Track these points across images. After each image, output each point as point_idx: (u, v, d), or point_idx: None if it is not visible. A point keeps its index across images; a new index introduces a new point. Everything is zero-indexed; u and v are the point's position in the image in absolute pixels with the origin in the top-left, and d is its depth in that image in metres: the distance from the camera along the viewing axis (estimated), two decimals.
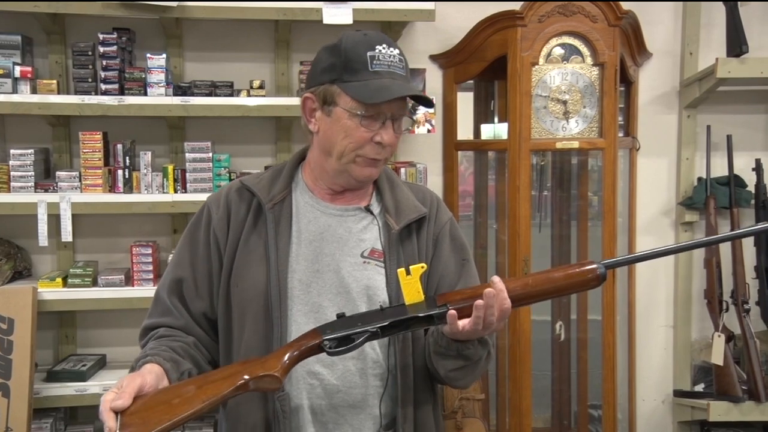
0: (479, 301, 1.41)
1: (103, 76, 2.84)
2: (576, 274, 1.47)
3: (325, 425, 1.54)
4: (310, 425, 1.54)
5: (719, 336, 3.21)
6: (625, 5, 2.94)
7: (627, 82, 3.30)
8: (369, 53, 1.51)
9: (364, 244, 1.59)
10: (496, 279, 1.44)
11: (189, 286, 1.61)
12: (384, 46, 1.53)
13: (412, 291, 1.44)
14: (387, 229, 1.60)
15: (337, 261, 1.57)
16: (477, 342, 1.52)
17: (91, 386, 2.86)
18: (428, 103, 1.61)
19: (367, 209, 1.63)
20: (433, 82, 3.23)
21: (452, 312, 1.42)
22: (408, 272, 1.44)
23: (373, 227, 1.61)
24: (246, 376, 1.37)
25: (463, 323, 1.42)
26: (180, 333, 1.59)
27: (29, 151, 2.84)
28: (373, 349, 1.56)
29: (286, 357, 1.41)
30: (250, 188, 1.62)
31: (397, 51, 1.55)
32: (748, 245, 3.29)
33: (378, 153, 1.54)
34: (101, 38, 2.84)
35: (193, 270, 1.62)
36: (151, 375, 1.40)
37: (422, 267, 1.45)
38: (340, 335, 1.43)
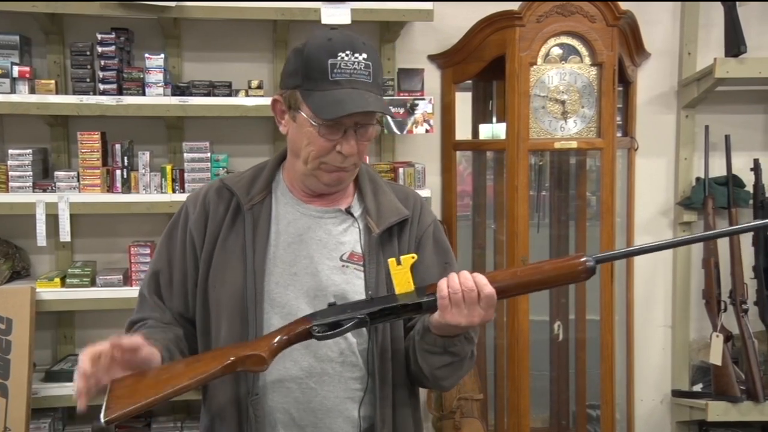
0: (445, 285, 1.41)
1: (101, 76, 2.84)
2: (565, 265, 1.44)
3: (303, 429, 1.53)
4: (286, 429, 1.53)
5: (717, 336, 3.21)
6: (623, 5, 2.94)
7: (625, 82, 3.30)
8: (330, 61, 1.45)
9: (343, 248, 1.57)
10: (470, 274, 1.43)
11: (165, 283, 1.61)
12: (348, 52, 1.46)
13: (403, 281, 1.44)
14: (367, 233, 1.57)
15: (315, 264, 1.54)
16: (463, 338, 1.50)
17: None
18: (389, 114, 1.57)
19: (348, 211, 1.60)
20: (432, 82, 3.23)
21: (443, 302, 1.41)
22: (399, 262, 1.44)
23: (353, 230, 1.59)
24: (233, 357, 1.39)
25: (450, 311, 1.41)
26: (168, 327, 1.59)
27: (27, 151, 2.84)
28: (353, 353, 1.54)
29: (275, 340, 1.42)
30: (230, 188, 1.60)
31: (363, 56, 1.47)
32: (747, 245, 3.30)
33: (342, 162, 1.51)
34: (99, 38, 2.84)
35: (169, 268, 1.61)
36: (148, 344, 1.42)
37: (413, 257, 1.44)
38: (330, 321, 1.43)
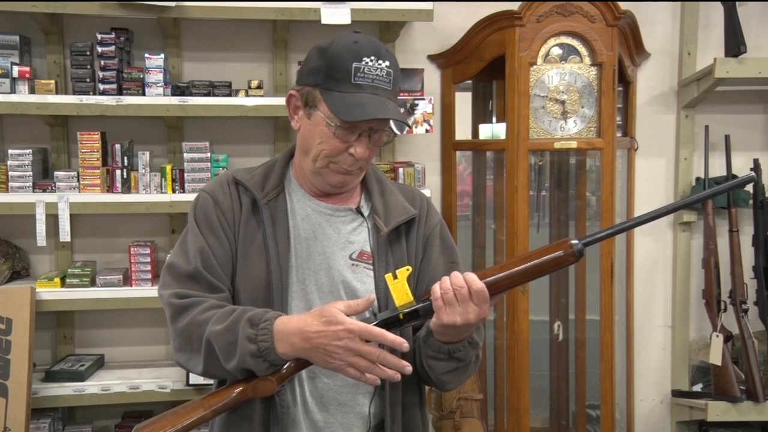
0: (437, 287, 1.43)
1: (101, 76, 2.84)
2: (552, 251, 1.44)
3: (316, 424, 1.56)
4: (302, 423, 1.55)
5: (717, 336, 3.21)
6: (623, 5, 2.94)
7: (625, 82, 3.30)
8: (355, 64, 1.47)
9: (353, 246, 1.59)
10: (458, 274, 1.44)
11: (211, 259, 1.56)
12: (373, 58, 1.48)
13: (401, 294, 1.46)
14: (376, 232, 1.60)
15: (328, 260, 1.57)
16: (467, 343, 1.52)
17: (90, 386, 2.85)
18: (405, 124, 1.57)
19: (358, 211, 1.63)
20: (432, 82, 3.23)
21: (437, 303, 1.42)
22: (395, 276, 1.45)
23: (362, 229, 1.61)
24: (241, 387, 1.47)
25: (444, 311, 1.42)
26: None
27: (27, 151, 2.84)
28: None
29: (285, 367, 1.46)
30: (244, 184, 1.61)
31: (386, 63, 1.50)
32: (747, 245, 3.30)
33: (351, 164, 1.53)
34: (99, 38, 2.84)
35: (216, 245, 1.56)
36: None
37: (407, 270, 1.46)
38: None
